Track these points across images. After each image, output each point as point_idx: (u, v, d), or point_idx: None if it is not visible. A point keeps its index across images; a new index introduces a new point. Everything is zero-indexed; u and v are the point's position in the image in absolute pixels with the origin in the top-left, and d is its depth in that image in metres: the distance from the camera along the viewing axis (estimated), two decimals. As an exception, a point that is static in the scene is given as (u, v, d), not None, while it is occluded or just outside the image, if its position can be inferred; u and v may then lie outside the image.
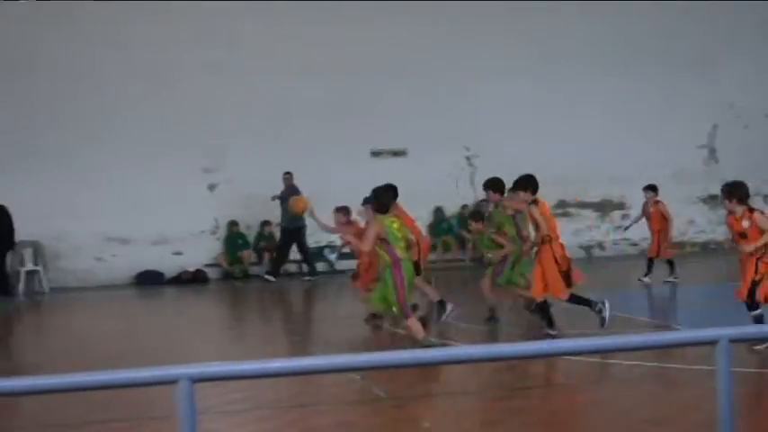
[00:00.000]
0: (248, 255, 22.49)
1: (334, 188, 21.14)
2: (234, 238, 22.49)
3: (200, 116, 22.25)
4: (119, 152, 21.77)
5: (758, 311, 10.41)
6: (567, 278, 11.75)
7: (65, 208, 21.37)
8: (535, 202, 11.89)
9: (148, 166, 21.73)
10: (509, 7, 23.59)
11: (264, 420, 8.50)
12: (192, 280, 21.83)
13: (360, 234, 12.15)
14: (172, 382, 3.87)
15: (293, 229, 21.26)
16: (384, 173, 22.86)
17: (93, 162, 21.60)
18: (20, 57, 21.59)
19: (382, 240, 10.98)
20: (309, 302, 19.29)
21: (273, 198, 21.46)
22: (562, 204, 24.60)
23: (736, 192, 10.71)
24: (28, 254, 21.47)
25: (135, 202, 21.71)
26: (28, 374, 7.47)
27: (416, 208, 23.18)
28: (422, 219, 23.56)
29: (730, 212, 10.80)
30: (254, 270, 22.41)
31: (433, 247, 23.29)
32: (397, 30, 23.32)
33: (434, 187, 22.98)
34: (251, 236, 22.80)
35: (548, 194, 23.68)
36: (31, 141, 21.52)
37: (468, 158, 23.95)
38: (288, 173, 21.82)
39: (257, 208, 22.29)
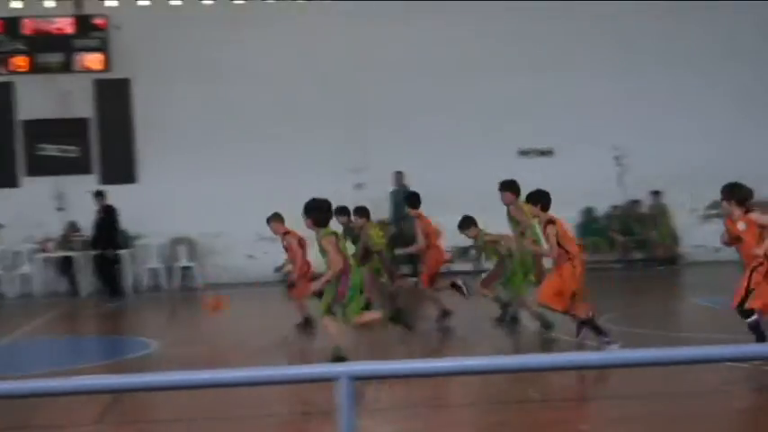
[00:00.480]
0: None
1: (480, 187, 21.03)
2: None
3: (354, 117, 22.53)
4: (271, 153, 22.23)
5: (753, 318, 9.88)
6: (574, 297, 11.58)
7: (220, 206, 21.90)
8: (551, 221, 11.73)
9: (299, 166, 22.07)
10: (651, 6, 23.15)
11: (414, 419, 8.52)
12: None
13: (301, 242, 13.25)
14: (332, 379, 3.90)
15: (394, 235, 21.24)
16: (531, 172, 22.66)
17: (246, 162, 22.11)
18: (201, 59, 22.46)
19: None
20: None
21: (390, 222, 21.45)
22: (717, 206, 23.88)
23: (735, 193, 10.20)
24: (182, 250, 22.16)
25: (285, 202, 22.00)
26: (180, 369, 7.65)
27: (564, 208, 22.92)
28: (570, 219, 23.25)
29: (728, 215, 10.32)
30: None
31: (583, 248, 23.05)
32: (546, 27, 23.09)
33: (583, 187, 22.61)
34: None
35: (702, 196, 23.31)
36: (191, 141, 22.24)
37: (616, 158, 23.49)
38: (399, 172, 21.89)
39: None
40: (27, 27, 22.33)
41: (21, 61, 22.35)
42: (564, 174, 22.29)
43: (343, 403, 3.87)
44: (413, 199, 14.76)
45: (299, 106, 22.46)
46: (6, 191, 22.31)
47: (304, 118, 22.45)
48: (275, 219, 14.45)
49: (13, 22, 22.25)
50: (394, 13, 22.63)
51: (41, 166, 22.51)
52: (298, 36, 22.70)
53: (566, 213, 22.69)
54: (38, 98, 22.22)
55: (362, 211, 15.10)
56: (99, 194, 20.71)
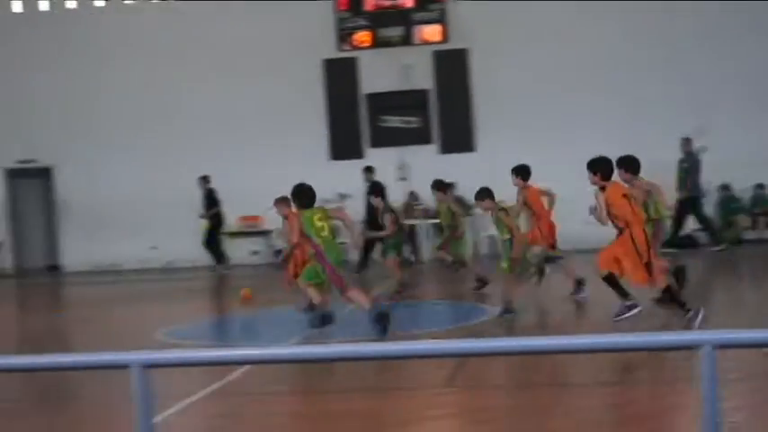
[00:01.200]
0: (742, 220, 21.67)
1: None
2: (726, 202, 21.80)
3: (690, 76, 21.81)
4: (604, 120, 21.99)
5: None
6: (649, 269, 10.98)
7: (556, 174, 21.63)
8: (603, 188, 11.30)
9: (635, 130, 21.52)
10: None
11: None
12: (684, 245, 21.21)
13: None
14: (694, 347, 3.76)
15: (686, 200, 19.95)
16: None
17: (579, 130, 21.94)
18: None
19: (302, 235, 11.90)
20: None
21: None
22: None
23: None
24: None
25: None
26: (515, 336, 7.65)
27: None
28: None
29: None
30: (749, 235, 21.57)
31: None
32: None
33: None
34: (746, 200, 21.96)
35: None
36: (527, 109, 22.65)
37: None
38: (686, 138, 20.65)
39: (747, 171, 21.33)
40: (369, 3, 23.20)
41: (364, 37, 23.29)
42: None
43: (706, 371, 3.71)
44: (520, 170, 14.39)
45: (632, 70, 22.02)
46: (352, 162, 23.34)
47: (636, 80, 21.98)
48: (280, 202, 13.82)
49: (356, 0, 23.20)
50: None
51: (384, 138, 23.40)
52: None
53: None
54: (380, 71, 23.08)
55: (441, 185, 16.07)
56: (368, 170, 21.20)
